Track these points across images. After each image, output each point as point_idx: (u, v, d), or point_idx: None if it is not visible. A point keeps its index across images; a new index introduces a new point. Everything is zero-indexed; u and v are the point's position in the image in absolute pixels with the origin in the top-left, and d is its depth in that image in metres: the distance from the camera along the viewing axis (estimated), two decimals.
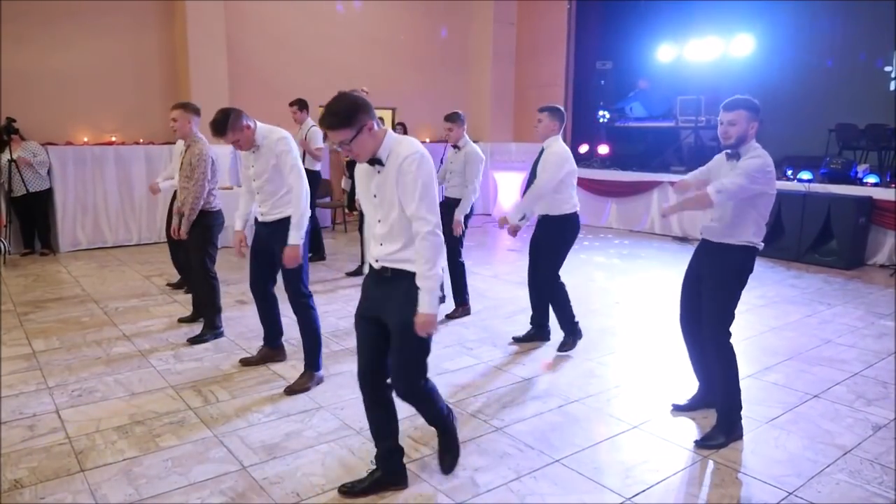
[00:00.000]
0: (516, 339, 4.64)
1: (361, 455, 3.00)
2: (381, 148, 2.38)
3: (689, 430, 3.31)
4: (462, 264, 5.23)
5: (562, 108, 4.39)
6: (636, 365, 4.25)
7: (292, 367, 4.11)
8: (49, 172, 7.58)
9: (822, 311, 5.54)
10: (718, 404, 3.26)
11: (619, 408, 3.58)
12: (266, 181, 3.73)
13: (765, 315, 5.32)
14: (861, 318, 5.38)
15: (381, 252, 2.48)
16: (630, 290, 6.29)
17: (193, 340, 4.55)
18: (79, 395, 3.64)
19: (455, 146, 5.16)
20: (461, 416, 3.43)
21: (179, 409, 3.49)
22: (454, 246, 5.03)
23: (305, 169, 3.92)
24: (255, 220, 3.91)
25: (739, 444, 3.17)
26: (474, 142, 5.58)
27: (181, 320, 5.03)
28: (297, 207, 3.63)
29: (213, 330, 4.63)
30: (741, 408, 3.22)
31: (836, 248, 7.33)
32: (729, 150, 3.18)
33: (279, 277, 3.91)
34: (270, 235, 3.78)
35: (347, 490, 2.68)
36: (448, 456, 2.82)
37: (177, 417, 3.39)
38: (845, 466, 2.96)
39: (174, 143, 6.10)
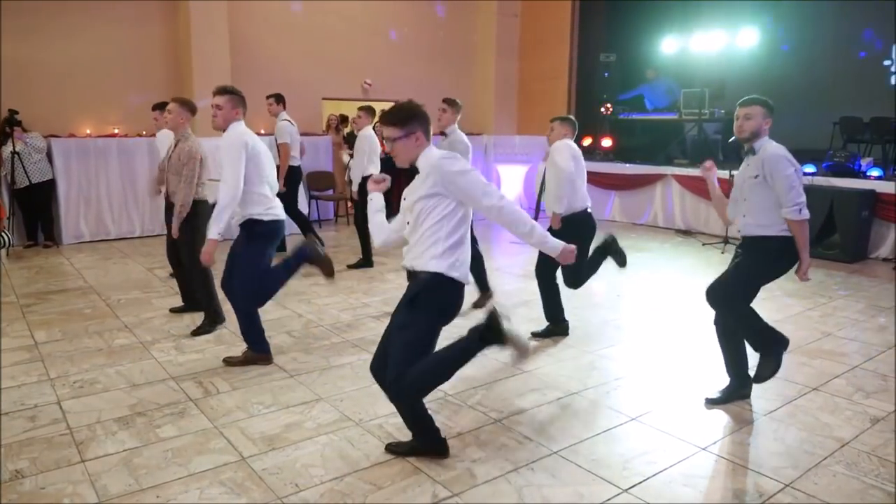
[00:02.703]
0: (535, 335, 4.57)
1: (361, 446, 3.02)
2: (422, 157, 2.64)
3: (687, 422, 3.32)
4: (479, 252, 5.17)
5: (573, 118, 4.67)
6: (637, 358, 4.25)
7: (293, 359, 4.13)
8: (51, 163, 7.60)
9: (824, 305, 5.53)
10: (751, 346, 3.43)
11: (618, 400, 3.59)
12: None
13: (766, 308, 5.29)
14: (862, 311, 5.37)
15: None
16: (632, 283, 6.29)
17: (196, 332, 4.57)
18: (80, 387, 3.66)
19: (442, 133, 5.16)
20: (461, 407, 3.44)
21: (180, 400, 3.51)
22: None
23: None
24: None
25: (738, 437, 3.18)
26: (476, 134, 5.60)
27: (173, 310, 5.05)
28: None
29: (212, 318, 4.63)
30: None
31: (838, 241, 7.30)
32: (743, 146, 3.37)
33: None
34: (243, 238, 3.86)
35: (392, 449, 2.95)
36: (406, 445, 2.93)
37: (177, 408, 3.41)
38: (843, 459, 2.96)
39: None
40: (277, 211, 3.86)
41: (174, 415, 3.33)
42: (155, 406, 3.43)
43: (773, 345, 3.37)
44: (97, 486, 2.67)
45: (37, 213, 7.60)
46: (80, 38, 8.12)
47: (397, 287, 5.96)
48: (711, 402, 3.53)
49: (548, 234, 2.67)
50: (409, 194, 2.67)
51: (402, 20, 10.78)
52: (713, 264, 7.08)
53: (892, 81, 9.43)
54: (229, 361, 4.00)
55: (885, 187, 7.37)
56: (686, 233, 9.04)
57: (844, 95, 9.39)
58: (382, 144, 6.53)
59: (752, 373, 3.50)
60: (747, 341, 3.46)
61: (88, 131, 8.32)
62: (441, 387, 3.65)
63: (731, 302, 3.37)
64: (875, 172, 7.81)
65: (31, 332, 4.60)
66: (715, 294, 3.42)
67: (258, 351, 4.02)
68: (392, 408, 3.38)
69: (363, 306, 5.33)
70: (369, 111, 6.57)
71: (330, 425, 3.24)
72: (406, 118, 2.54)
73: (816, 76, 9.78)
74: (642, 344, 4.53)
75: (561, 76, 11.36)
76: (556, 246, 2.66)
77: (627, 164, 10.05)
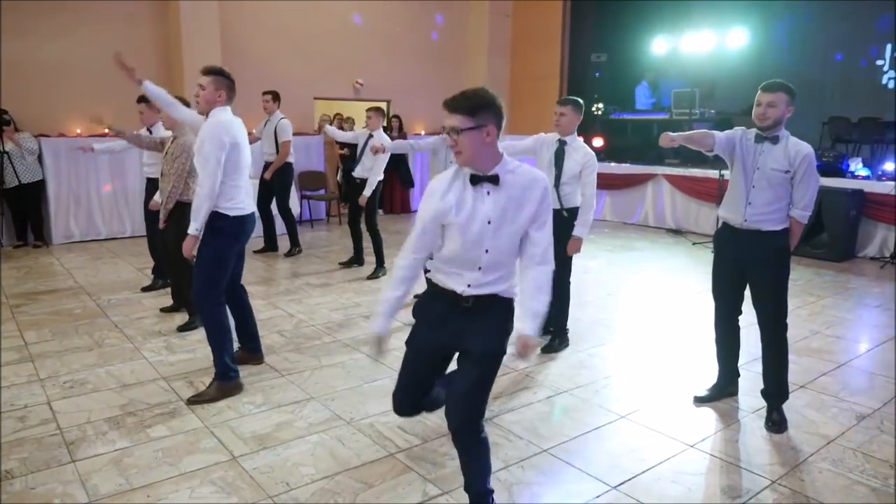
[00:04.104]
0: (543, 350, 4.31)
1: (352, 445, 3.03)
2: (500, 165, 2.16)
3: (675, 420, 3.35)
4: None
5: (581, 101, 4.24)
6: (627, 356, 4.28)
7: (284, 359, 4.13)
8: (41, 163, 7.56)
9: (812, 303, 5.58)
10: (772, 391, 3.30)
11: (607, 398, 3.62)
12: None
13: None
14: (850, 309, 5.42)
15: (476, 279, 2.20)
16: (623, 282, 6.32)
17: (183, 328, 4.60)
18: (70, 387, 3.66)
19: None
20: None
21: (171, 400, 3.51)
22: None
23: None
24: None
25: (726, 434, 3.21)
26: None
27: (163, 310, 5.05)
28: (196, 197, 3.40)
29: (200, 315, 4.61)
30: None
31: (827, 240, 7.36)
32: (762, 132, 3.17)
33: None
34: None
35: None
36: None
37: (168, 408, 3.40)
38: (828, 455, 3.00)
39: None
40: (244, 205, 3.53)
41: (165, 415, 3.33)
42: (145, 406, 3.43)
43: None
44: (88, 486, 2.67)
45: (26, 212, 7.55)
46: (69, 38, 8.07)
47: None
48: (700, 401, 3.56)
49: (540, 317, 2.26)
50: (501, 212, 2.15)
51: (395, 19, 10.77)
52: (703, 263, 7.12)
53: (884, 81, 9.51)
54: (194, 400, 3.49)
55: (873, 187, 7.45)
56: (676, 232, 9.09)
57: (833, 96, 9.46)
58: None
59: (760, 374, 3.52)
60: (781, 352, 3.32)
61: (78, 131, 8.27)
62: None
63: (785, 315, 3.27)
64: (863, 172, 7.89)
65: (20, 332, 4.58)
66: (771, 314, 3.25)
67: (223, 378, 3.53)
68: (382, 407, 3.42)
69: (354, 306, 5.34)
70: (379, 112, 6.57)
71: (321, 424, 3.25)
72: (478, 106, 2.08)
73: (805, 77, 9.84)
74: (632, 342, 4.56)
75: (552, 76, 11.39)
76: (533, 329, 2.22)
77: (618, 164, 10.09)
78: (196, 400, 3.48)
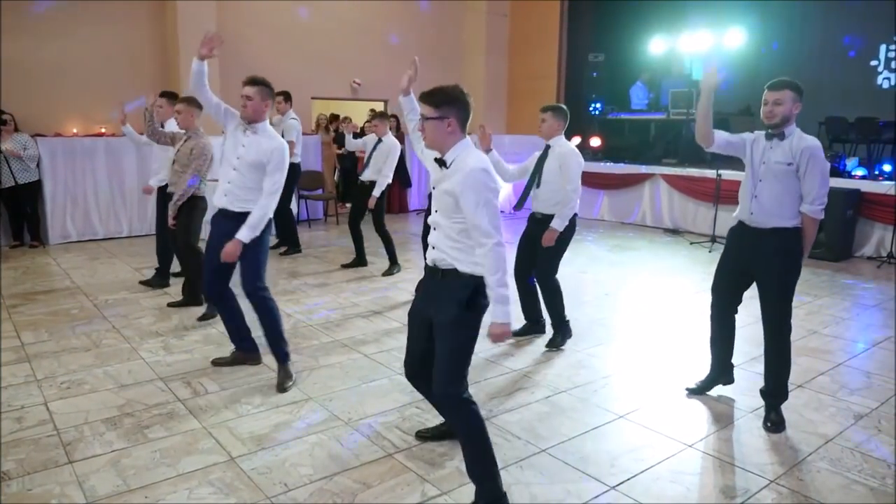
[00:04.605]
0: (515, 334, 4.54)
1: (350, 445, 3.03)
2: (450, 150, 2.42)
3: (674, 420, 3.35)
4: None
5: (565, 107, 4.39)
6: (625, 356, 4.28)
7: None
8: (38, 165, 7.54)
9: (809, 303, 5.59)
10: (771, 389, 3.32)
11: (606, 398, 3.62)
12: (246, 171, 3.61)
13: (752, 307, 5.30)
14: (847, 309, 5.43)
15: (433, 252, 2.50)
16: (620, 281, 6.33)
17: (202, 318, 4.85)
18: (67, 388, 3.64)
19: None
20: None
21: (168, 400, 3.50)
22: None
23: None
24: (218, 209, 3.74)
25: (724, 434, 3.21)
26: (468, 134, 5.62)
27: (170, 304, 5.18)
28: (261, 208, 3.56)
29: (193, 296, 4.98)
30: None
31: (824, 240, 7.36)
32: (770, 131, 3.20)
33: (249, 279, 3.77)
34: (234, 229, 3.57)
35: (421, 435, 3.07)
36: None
37: (166, 409, 3.40)
38: (826, 455, 3.00)
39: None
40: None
41: (162, 415, 3.32)
42: (143, 407, 3.42)
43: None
44: (85, 487, 2.66)
45: (23, 212, 7.53)
46: (66, 37, 8.06)
47: (387, 286, 5.98)
48: (691, 392, 3.62)
49: (507, 298, 2.37)
50: (438, 186, 2.48)
51: (392, 19, 10.77)
52: (701, 263, 7.14)
53: (879, 81, 9.54)
54: (282, 389, 3.69)
55: (870, 187, 7.46)
56: (674, 232, 9.10)
57: (830, 96, 9.48)
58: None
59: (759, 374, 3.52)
60: (783, 353, 3.33)
61: (75, 130, 8.26)
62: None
63: (789, 315, 3.28)
64: (860, 172, 7.90)
65: (17, 332, 4.57)
66: (775, 314, 3.28)
67: (287, 359, 3.79)
68: (380, 407, 3.42)
69: (352, 306, 5.33)
70: (383, 116, 6.63)
71: (319, 425, 3.24)
72: (442, 101, 2.38)
73: (802, 76, 9.86)
74: (630, 342, 4.56)
75: (550, 76, 11.40)
76: (504, 313, 2.36)
77: (616, 164, 10.10)
78: (283, 389, 3.64)
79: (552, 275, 4.38)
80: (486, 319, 2.42)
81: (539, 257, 4.36)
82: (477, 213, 2.32)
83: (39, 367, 3.95)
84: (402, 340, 4.48)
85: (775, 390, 3.31)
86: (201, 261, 4.66)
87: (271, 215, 3.63)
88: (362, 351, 4.27)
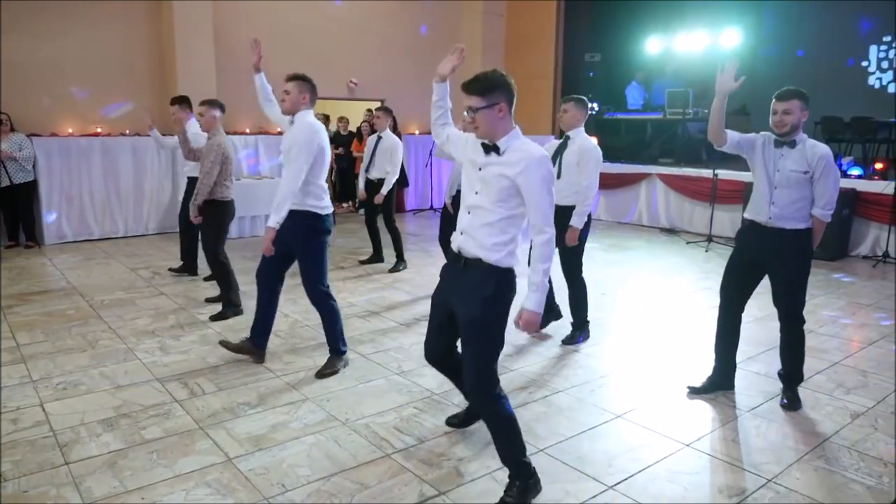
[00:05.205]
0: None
1: (347, 446, 3.02)
2: (503, 137, 2.40)
3: (671, 419, 3.35)
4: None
5: (586, 99, 4.44)
6: (622, 355, 4.29)
7: (279, 359, 4.12)
8: (34, 165, 7.51)
9: (806, 302, 5.58)
10: (788, 373, 3.53)
11: (603, 398, 3.62)
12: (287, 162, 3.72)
13: (749, 306, 5.32)
14: (843, 308, 5.45)
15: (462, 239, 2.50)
16: (617, 281, 6.33)
17: (215, 318, 4.89)
18: (63, 389, 3.63)
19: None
20: (447, 406, 3.45)
21: (165, 401, 3.49)
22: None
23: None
24: None
25: (722, 433, 3.22)
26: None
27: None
28: (280, 191, 3.62)
29: (232, 307, 4.95)
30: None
31: (820, 239, 7.39)
32: (780, 138, 3.33)
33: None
34: (291, 228, 3.66)
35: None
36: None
37: (162, 410, 3.38)
38: (823, 454, 3.01)
39: (173, 135, 6.25)
40: (329, 204, 3.85)
41: (159, 416, 3.31)
42: (140, 407, 3.41)
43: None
44: (81, 488, 2.65)
45: (18, 213, 7.49)
46: (62, 37, 8.02)
47: (383, 287, 5.97)
48: (694, 391, 3.64)
49: (546, 289, 2.43)
50: (486, 173, 2.41)
51: (388, 19, 10.76)
52: (697, 262, 7.15)
53: (871, 81, 9.58)
54: (322, 375, 3.85)
55: (866, 186, 7.48)
56: (670, 231, 9.11)
57: (827, 95, 9.52)
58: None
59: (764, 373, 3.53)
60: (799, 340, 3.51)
61: (70, 130, 8.23)
62: (427, 385, 3.68)
63: (803, 305, 3.46)
64: (855, 171, 7.93)
65: (13, 333, 4.55)
66: (791, 303, 3.45)
67: (339, 352, 3.97)
68: (378, 407, 3.41)
69: (349, 306, 5.32)
70: (387, 111, 6.63)
71: (316, 425, 3.23)
72: (489, 88, 2.35)
73: (798, 76, 9.89)
74: (627, 342, 4.56)
75: (546, 75, 11.41)
76: (538, 303, 2.41)
77: (612, 164, 10.09)
78: (322, 374, 3.83)
79: (579, 273, 4.45)
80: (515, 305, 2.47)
81: (562, 256, 4.37)
82: (543, 201, 2.35)
83: (35, 368, 3.93)
84: (399, 341, 4.49)
85: (791, 373, 3.52)
86: (225, 264, 4.94)
87: (287, 199, 3.58)
88: (359, 351, 4.26)
